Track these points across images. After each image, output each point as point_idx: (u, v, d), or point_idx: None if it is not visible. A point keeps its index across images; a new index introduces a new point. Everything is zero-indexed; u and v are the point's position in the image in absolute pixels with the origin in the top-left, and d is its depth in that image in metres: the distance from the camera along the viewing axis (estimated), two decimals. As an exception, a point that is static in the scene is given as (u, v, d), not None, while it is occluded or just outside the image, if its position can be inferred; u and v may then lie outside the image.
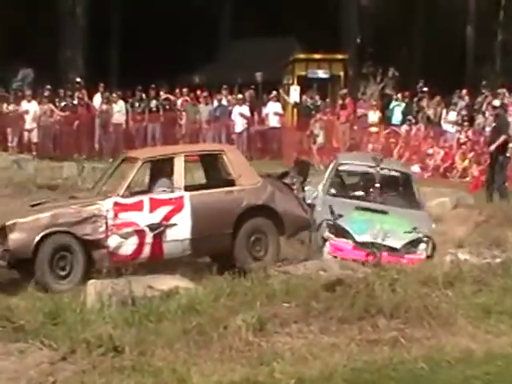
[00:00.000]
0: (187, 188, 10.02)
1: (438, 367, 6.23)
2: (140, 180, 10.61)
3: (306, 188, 10.90)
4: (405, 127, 21.09)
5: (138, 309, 7.11)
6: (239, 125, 22.16)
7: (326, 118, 21.58)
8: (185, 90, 23.31)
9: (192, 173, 11.12)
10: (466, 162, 19.45)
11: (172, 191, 9.92)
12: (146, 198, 9.82)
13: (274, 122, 22.36)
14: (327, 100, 22.67)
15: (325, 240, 10.19)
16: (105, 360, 6.11)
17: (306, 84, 23.38)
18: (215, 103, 22.78)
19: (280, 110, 22.62)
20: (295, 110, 22.78)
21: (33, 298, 7.67)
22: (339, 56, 24.80)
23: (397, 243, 9.96)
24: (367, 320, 6.86)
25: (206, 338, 6.46)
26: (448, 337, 6.75)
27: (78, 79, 24.30)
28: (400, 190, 11.57)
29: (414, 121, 21.03)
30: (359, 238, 10.03)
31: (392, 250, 9.84)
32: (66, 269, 9.34)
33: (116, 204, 9.65)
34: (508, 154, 15.16)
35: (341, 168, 11.78)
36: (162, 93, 23.00)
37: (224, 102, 22.86)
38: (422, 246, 10.06)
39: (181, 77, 26.15)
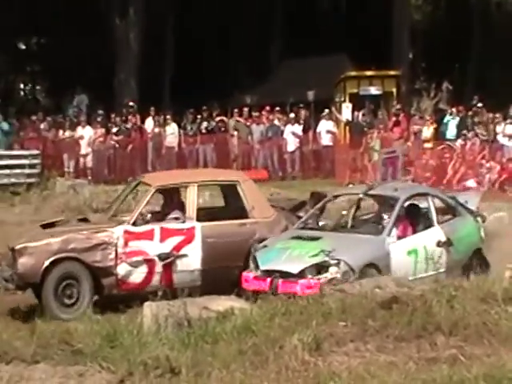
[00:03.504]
0: (199, 218, 9.93)
1: (500, 385, 6.09)
2: (153, 206, 10.49)
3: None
4: (460, 142, 20.82)
5: (193, 330, 7.12)
6: (291, 144, 22.17)
7: (380, 134, 21.46)
8: (236, 110, 23.44)
9: (205, 198, 10.98)
10: (524, 176, 19.13)
11: (184, 221, 9.85)
12: (156, 227, 9.76)
13: (326, 140, 22.31)
14: (379, 116, 22.53)
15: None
16: (162, 382, 6.13)
17: (358, 101, 23.30)
18: (267, 123, 22.87)
19: (332, 128, 22.57)
20: (347, 128, 22.70)
21: (90, 321, 7.73)
22: (391, 72, 24.66)
23: (294, 268, 9.57)
24: (425, 338, 6.76)
25: (261, 358, 6.43)
26: (509, 354, 6.59)
27: (131, 103, 24.63)
28: (378, 214, 11.19)
29: (469, 135, 20.76)
30: (263, 267, 9.76)
31: (288, 275, 9.50)
32: (73, 297, 9.31)
33: (126, 232, 9.61)
34: None
35: (330, 200, 11.61)
36: (214, 114, 23.16)
37: (276, 122, 22.92)
38: (333, 269, 9.54)
39: (232, 98, 26.30)
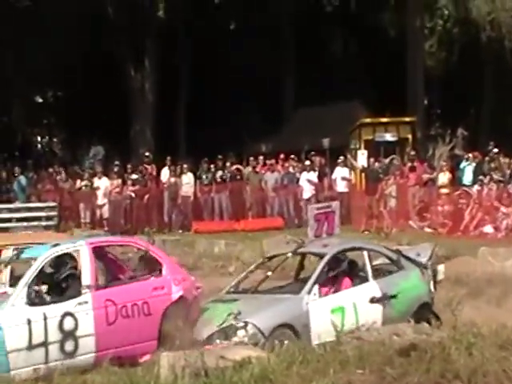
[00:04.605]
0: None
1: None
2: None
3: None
4: (476, 187, 20.78)
5: (211, 380, 7.08)
6: (307, 191, 22.20)
7: (395, 180, 21.48)
8: (251, 158, 23.55)
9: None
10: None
11: None
12: None
13: (341, 187, 22.34)
14: (395, 162, 22.56)
15: None
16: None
17: (373, 148, 23.35)
18: (282, 171, 22.96)
19: (348, 175, 22.61)
20: (363, 175, 22.72)
21: (108, 373, 7.70)
22: (407, 119, 24.74)
23: (204, 333, 9.43)
24: (444, 385, 6.69)
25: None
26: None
27: (147, 153, 24.81)
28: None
29: (485, 180, 20.72)
30: None
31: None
32: None
33: None
34: None
35: (264, 262, 11.52)
36: (228, 163, 23.28)
37: (291, 169, 23.00)
38: (241, 332, 9.38)
39: (247, 146, 26.44)
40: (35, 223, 20.24)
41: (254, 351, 7.94)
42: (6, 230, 19.83)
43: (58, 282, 9.56)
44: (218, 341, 9.25)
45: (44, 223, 20.33)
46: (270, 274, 11.02)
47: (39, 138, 35.56)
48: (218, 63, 29.95)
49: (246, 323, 9.43)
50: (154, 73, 28.79)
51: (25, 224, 20.16)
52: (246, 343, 8.96)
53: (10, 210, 20.80)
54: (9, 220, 20.37)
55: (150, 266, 10.14)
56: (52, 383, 6.97)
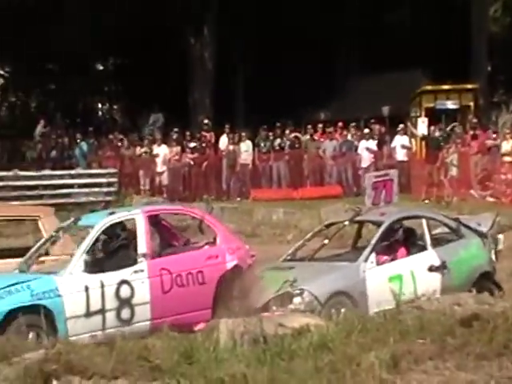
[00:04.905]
0: None
1: None
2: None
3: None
4: (541, 155, 20.35)
5: (269, 347, 7.08)
6: (366, 160, 22.02)
7: (457, 149, 21.17)
8: (309, 126, 23.43)
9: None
10: None
11: None
12: None
13: (401, 155, 22.09)
14: (456, 130, 22.21)
15: None
16: (239, 399, 6.11)
17: (434, 116, 23.03)
18: (340, 139, 22.80)
19: (408, 143, 22.36)
20: (423, 143, 22.44)
21: (168, 338, 7.76)
22: (469, 86, 24.33)
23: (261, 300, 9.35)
24: (507, 356, 6.56)
25: (338, 375, 6.35)
26: None
27: (206, 121, 24.87)
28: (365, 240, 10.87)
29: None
30: None
31: None
32: None
33: None
34: None
35: (322, 229, 11.46)
36: (287, 131, 23.20)
37: (349, 137, 22.81)
38: (297, 299, 9.35)
39: (306, 114, 26.30)
40: (96, 189, 20.50)
41: (312, 319, 7.93)
42: (68, 195, 20.19)
43: (114, 250, 9.65)
44: (274, 308, 9.27)
45: (105, 189, 20.57)
46: (326, 242, 10.99)
47: (100, 105, 35.95)
48: (278, 30, 29.73)
49: (302, 290, 9.43)
50: (214, 40, 28.76)
51: (86, 190, 20.45)
52: (302, 310, 8.96)
53: (72, 176, 21.07)
54: (71, 186, 20.65)
55: (205, 234, 10.17)
56: (114, 347, 7.04)
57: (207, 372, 6.47)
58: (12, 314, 8.57)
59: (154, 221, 10.00)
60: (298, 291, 9.44)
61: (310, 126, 23.45)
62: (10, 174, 20.07)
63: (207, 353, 6.99)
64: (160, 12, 28.08)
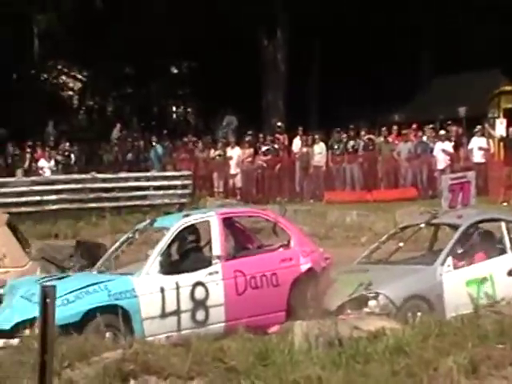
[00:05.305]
0: None
1: None
2: None
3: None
4: None
5: (344, 350, 7.04)
6: (441, 161, 21.70)
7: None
8: (383, 128, 23.23)
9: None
10: None
11: None
12: None
13: (478, 157, 21.70)
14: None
15: None
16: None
17: (513, 117, 22.57)
18: (415, 140, 22.54)
19: (485, 145, 21.95)
20: (501, 144, 22.00)
21: (243, 339, 7.79)
22: (549, 85, 23.78)
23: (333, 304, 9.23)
24: None
25: (415, 379, 6.28)
26: None
27: (279, 123, 24.89)
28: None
29: None
30: None
31: None
32: None
33: None
34: None
35: (397, 232, 11.27)
36: (361, 132, 23.05)
37: (424, 139, 22.53)
38: (372, 302, 9.19)
39: (380, 116, 26.07)
40: (171, 192, 20.72)
41: (388, 322, 7.85)
42: (143, 197, 20.47)
43: (189, 251, 9.71)
44: (348, 311, 9.22)
45: (179, 191, 20.77)
46: (402, 244, 10.90)
47: (174, 109, 36.34)
48: (351, 31, 29.56)
49: (378, 293, 9.37)
50: (286, 43, 28.78)
51: (161, 192, 20.69)
52: (377, 313, 8.89)
53: (147, 179, 21.36)
54: (146, 188, 20.93)
55: (279, 237, 10.18)
56: (190, 348, 7.10)
57: (282, 374, 6.47)
58: (90, 314, 8.71)
59: (228, 223, 10.06)
60: (373, 294, 9.39)
61: (384, 128, 23.25)
62: (88, 176, 20.49)
63: (282, 355, 6.99)
64: (234, 14, 28.24)
